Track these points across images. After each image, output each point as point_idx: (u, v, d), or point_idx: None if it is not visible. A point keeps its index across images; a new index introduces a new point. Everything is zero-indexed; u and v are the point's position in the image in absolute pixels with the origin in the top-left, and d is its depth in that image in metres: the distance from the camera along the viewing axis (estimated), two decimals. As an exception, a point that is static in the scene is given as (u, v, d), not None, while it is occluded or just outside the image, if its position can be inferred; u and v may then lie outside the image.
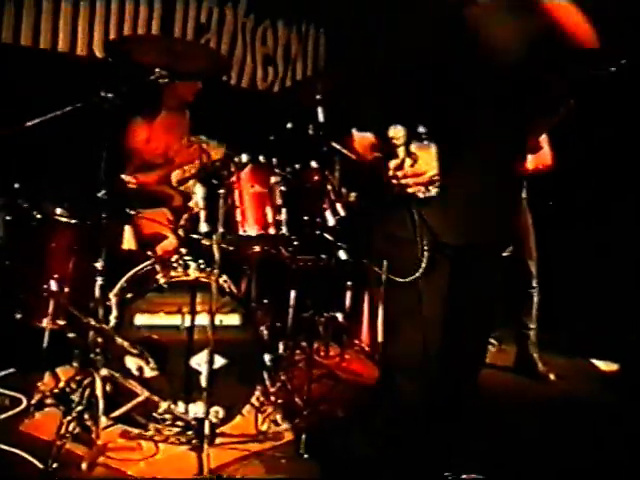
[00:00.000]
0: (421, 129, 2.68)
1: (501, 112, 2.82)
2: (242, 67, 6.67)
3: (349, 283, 5.27)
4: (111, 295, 3.88)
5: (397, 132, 2.67)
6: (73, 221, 3.79)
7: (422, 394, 2.86)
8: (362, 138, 2.86)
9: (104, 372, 3.55)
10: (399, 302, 2.88)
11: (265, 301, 4.69)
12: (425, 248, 2.76)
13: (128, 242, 4.39)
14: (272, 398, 4.02)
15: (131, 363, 3.68)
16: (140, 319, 3.75)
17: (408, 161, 2.65)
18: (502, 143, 2.88)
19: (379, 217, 2.94)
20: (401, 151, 2.66)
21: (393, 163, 2.67)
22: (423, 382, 2.83)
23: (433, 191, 2.71)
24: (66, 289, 3.72)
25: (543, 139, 5.03)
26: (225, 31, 6.56)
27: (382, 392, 3.06)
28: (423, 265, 2.75)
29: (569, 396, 4.98)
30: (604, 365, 5.72)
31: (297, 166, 4.20)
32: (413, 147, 2.67)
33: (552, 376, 5.33)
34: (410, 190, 2.70)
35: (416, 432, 2.91)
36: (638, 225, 5.95)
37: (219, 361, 3.76)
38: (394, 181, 2.69)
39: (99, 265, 3.61)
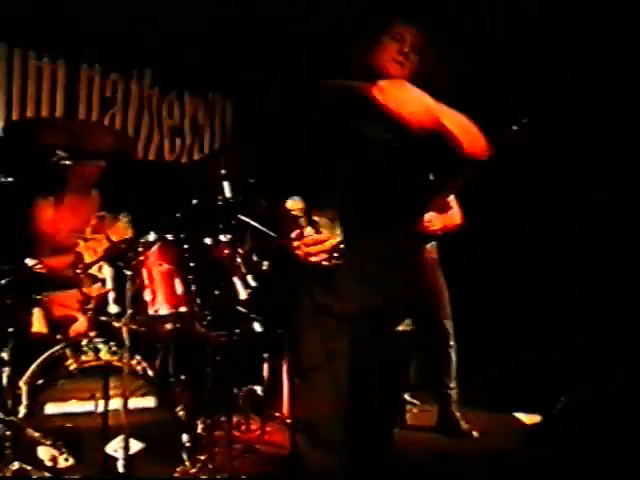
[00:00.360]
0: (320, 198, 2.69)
1: (399, 175, 2.85)
2: (149, 140, 6.65)
3: (266, 355, 5.22)
4: (21, 383, 3.77)
5: (294, 204, 2.67)
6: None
7: (329, 458, 2.82)
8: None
9: (15, 466, 3.44)
10: (306, 369, 2.86)
11: (182, 377, 4.61)
12: (329, 316, 2.75)
13: (38, 325, 4.29)
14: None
15: (44, 454, 3.57)
16: (51, 407, 3.64)
17: (309, 230, 2.65)
18: (401, 206, 2.90)
19: (290, 286, 2.94)
20: (302, 221, 2.67)
21: (294, 234, 2.67)
22: (330, 446, 2.80)
23: (339, 259, 2.71)
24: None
25: (451, 199, 5.10)
26: (131, 105, 6.54)
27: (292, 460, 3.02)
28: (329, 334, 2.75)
29: (493, 452, 5.01)
30: (526, 418, 5.76)
31: (206, 241, 4.19)
32: (315, 216, 2.67)
33: (475, 433, 5.34)
34: (313, 259, 2.70)
35: None
36: (547, 277, 6.06)
37: (136, 445, 3.67)
38: (297, 252, 2.69)
39: (5, 354, 3.53)
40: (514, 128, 4.65)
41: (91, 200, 4.89)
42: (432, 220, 4.89)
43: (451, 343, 5.34)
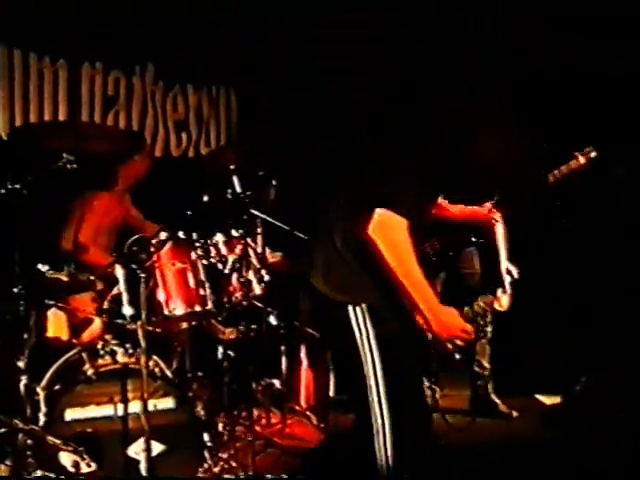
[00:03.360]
0: None
1: None
2: (155, 135, 6.59)
3: (283, 348, 5.18)
4: (39, 389, 3.75)
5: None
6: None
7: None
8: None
9: (38, 474, 3.42)
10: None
11: (200, 374, 4.59)
12: None
13: (53, 330, 4.26)
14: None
15: (66, 460, 3.55)
16: (70, 413, 3.63)
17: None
18: None
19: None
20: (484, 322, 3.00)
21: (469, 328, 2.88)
22: None
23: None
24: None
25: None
26: (134, 101, 6.47)
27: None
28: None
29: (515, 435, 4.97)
30: (547, 399, 5.72)
31: (218, 238, 4.15)
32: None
33: (515, 413, 5.31)
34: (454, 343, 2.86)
35: None
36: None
37: (157, 447, 3.65)
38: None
39: (22, 363, 3.52)
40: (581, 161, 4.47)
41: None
42: None
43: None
